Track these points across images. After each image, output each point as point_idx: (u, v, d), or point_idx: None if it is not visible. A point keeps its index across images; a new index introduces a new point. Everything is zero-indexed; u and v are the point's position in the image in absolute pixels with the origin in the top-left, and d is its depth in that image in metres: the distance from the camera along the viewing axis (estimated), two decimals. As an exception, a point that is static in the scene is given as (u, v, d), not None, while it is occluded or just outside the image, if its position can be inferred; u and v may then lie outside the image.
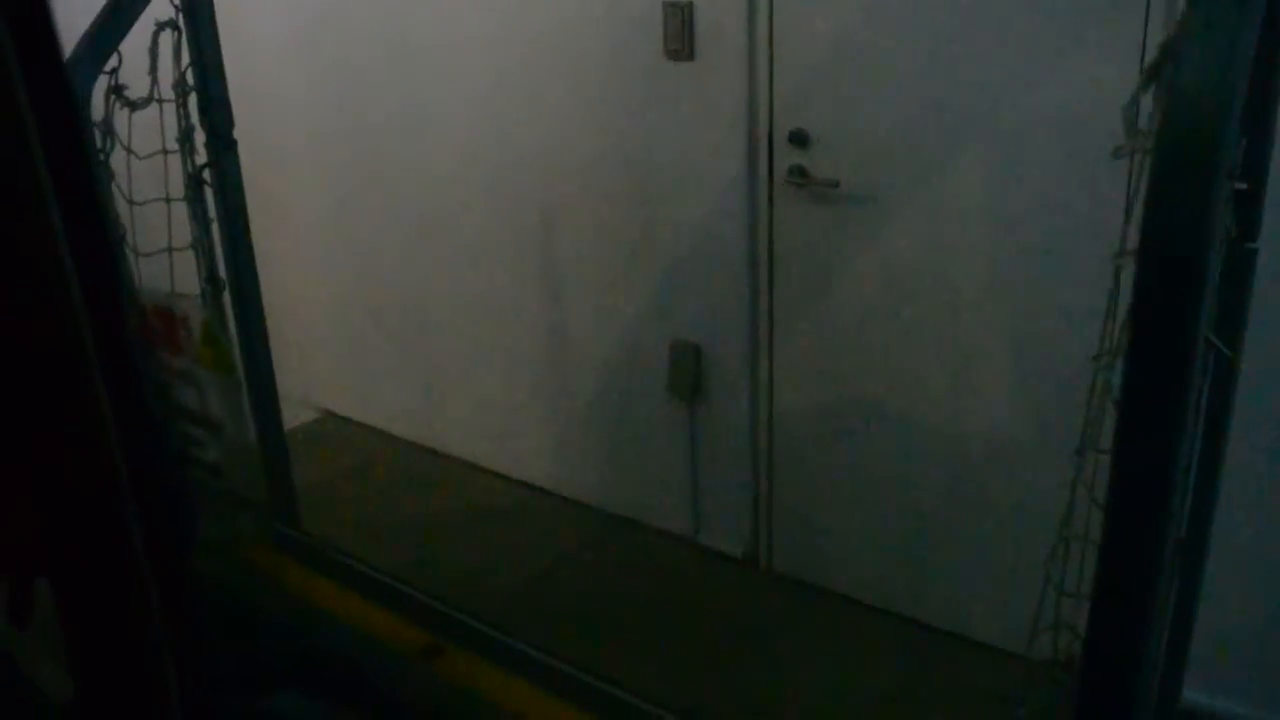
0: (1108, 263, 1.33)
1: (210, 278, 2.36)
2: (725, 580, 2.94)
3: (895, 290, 2.49)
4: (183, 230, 2.32)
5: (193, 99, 2.23)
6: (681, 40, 2.58)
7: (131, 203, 2.21)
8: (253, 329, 2.42)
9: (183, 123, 2.24)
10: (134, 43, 2.06)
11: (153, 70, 2.19)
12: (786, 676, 2.55)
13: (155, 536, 0.48)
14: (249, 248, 2.37)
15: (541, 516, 3.28)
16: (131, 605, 0.47)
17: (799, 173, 2.51)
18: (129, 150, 2.15)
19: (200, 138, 2.27)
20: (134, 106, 2.21)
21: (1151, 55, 1.09)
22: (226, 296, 2.35)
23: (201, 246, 2.34)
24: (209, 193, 2.30)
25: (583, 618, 2.77)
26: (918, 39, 2.30)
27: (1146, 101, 1.12)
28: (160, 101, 2.23)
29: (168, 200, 2.31)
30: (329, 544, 1.61)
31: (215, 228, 2.33)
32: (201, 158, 2.28)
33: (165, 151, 2.25)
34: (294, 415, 3.36)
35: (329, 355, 3.87)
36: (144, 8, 2.06)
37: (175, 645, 0.48)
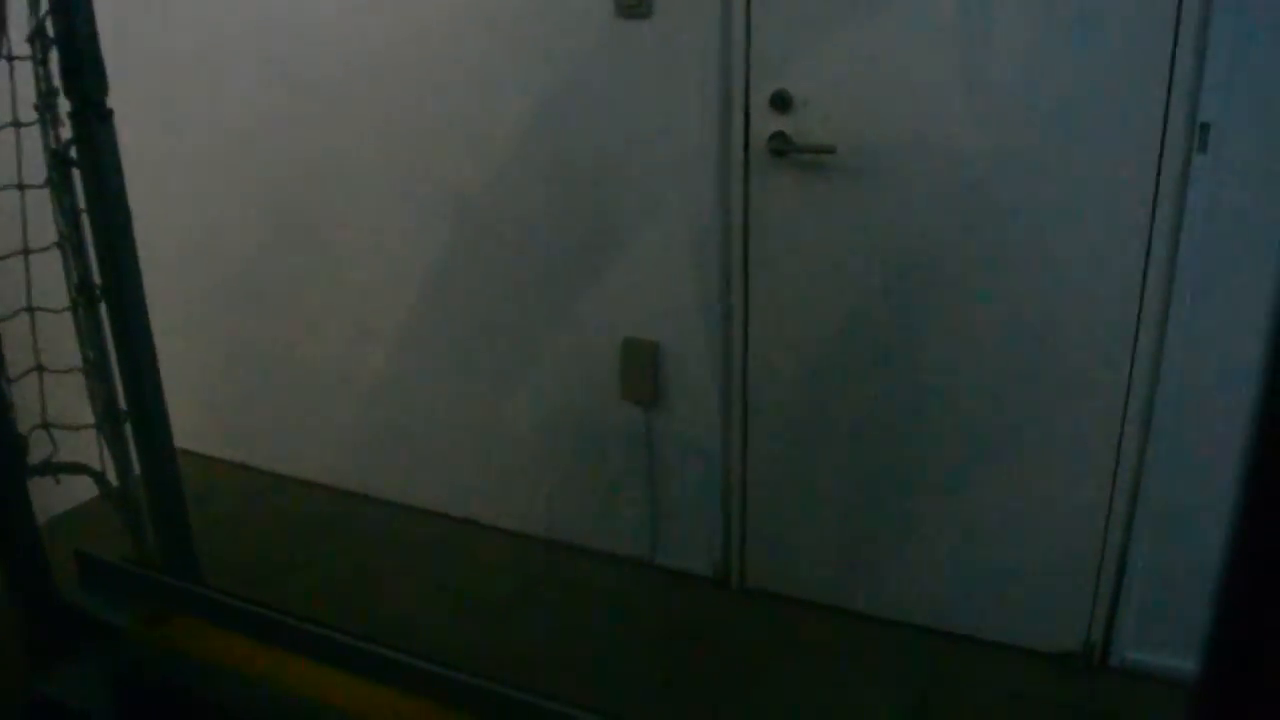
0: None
1: (82, 285, 1.83)
2: (697, 602, 2.61)
3: (892, 274, 2.24)
4: (43, 228, 1.80)
5: (55, 56, 1.72)
6: (635, -8, 2.24)
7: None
8: (138, 348, 1.89)
9: (42, 86, 1.72)
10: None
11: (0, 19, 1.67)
12: (791, 703, 2.24)
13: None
14: (131, 246, 1.85)
15: (479, 553, 2.84)
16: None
17: (781, 140, 2.22)
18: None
19: (65, 106, 1.75)
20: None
21: None
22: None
23: (69, 245, 1.82)
24: (76, 176, 1.79)
25: (541, 660, 2.38)
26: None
27: None
28: (10, 59, 1.71)
29: (21, 187, 1.78)
30: (287, 610, 1.24)
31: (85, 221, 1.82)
32: (67, 132, 1.76)
33: (18, 124, 1.73)
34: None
35: (184, 383, 3.28)
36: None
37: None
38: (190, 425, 2.88)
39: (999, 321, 2.17)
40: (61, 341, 1.73)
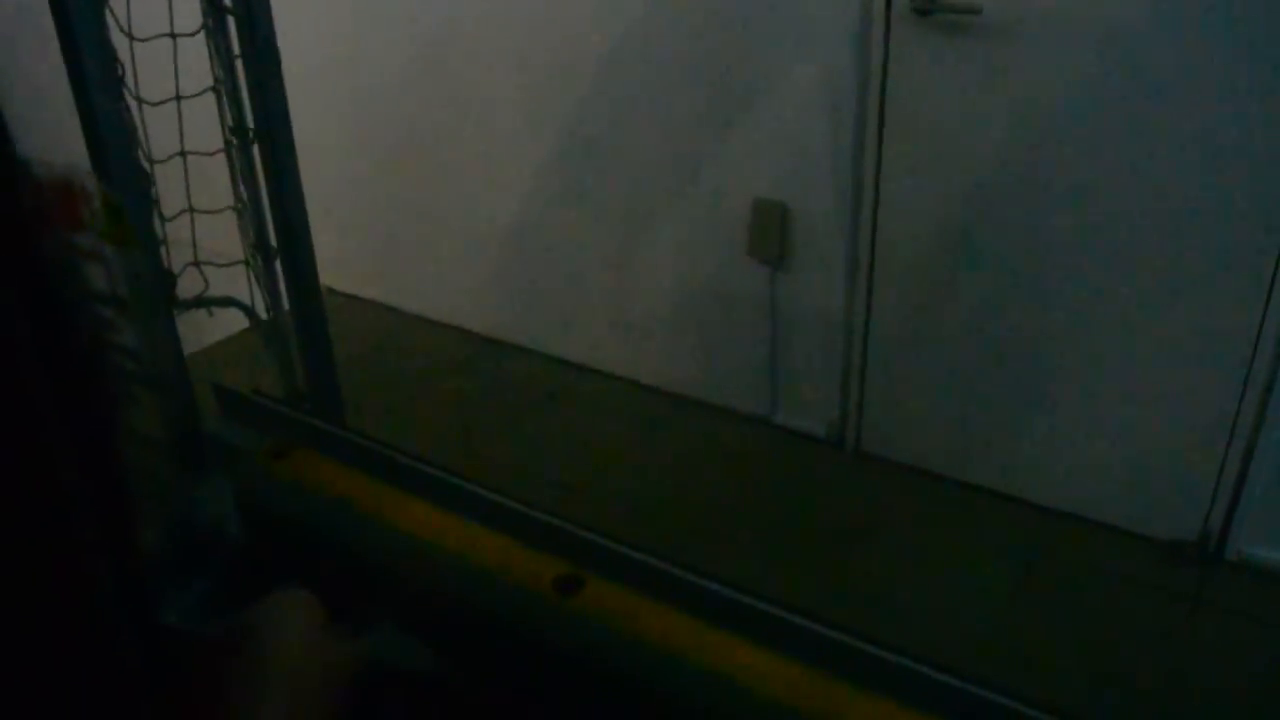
0: None
1: (236, 127, 1.93)
2: (812, 463, 2.66)
3: (1030, 146, 2.15)
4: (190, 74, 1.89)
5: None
6: None
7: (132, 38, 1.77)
8: (288, 190, 1.98)
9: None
10: None
11: None
12: (897, 570, 2.29)
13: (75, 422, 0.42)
14: (281, 89, 1.92)
15: (598, 400, 2.94)
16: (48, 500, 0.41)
17: (927, -2, 2.13)
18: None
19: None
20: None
21: None
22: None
23: (224, 89, 1.91)
24: (230, 22, 1.86)
25: (655, 511, 2.48)
26: None
27: None
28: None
29: (173, 35, 1.86)
30: (403, 449, 1.31)
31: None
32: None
33: None
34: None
35: (329, 221, 3.43)
36: None
37: (108, 547, 0.43)
38: (335, 264, 3.03)
39: (1139, 199, 2.08)
40: (214, 183, 1.83)
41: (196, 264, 1.74)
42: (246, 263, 1.83)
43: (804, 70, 2.34)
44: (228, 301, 1.79)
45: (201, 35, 1.82)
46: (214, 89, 1.90)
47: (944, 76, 2.19)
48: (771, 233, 2.52)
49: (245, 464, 1.37)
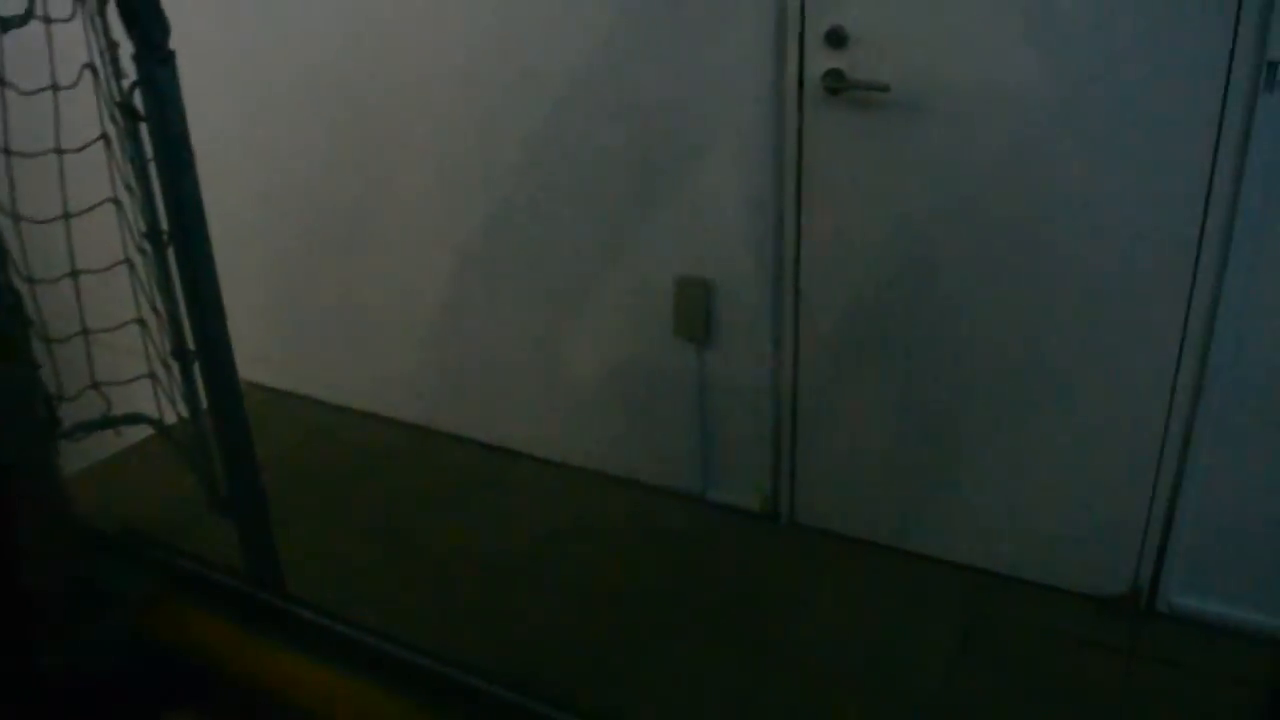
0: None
1: (150, 232, 1.89)
2: (747, 538, 2.66)
3: (943, 215, 2.22)
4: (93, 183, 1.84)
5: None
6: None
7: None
8: (205, 293, 1.96)
9: (102, 40, 1.75)
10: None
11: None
12: (836, 639, 2.28)
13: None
14: (195, 187, 1.90)
15: (530, 485, 2.91)
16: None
17: (835, 77, 2.19)
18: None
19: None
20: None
21: None
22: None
23: (138, 192, 1.87)
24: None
25: (590, 592, 2.46)
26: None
27: None
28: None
29: (59, 152, 1.80)
30: (278, 592, 1.25)
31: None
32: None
33: (56, 88, 1.74)
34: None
35: (244, 313, 3.37)
36: None
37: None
38: (255, 359, 2.97)
39: (1053, 262, 2.14)
40: (101, 304, 1.78)
41: (95, 385, 1.68)
42: (152, 375, 1.78)
43: (723, 149, 2.39)
44: (134, 419, 1.73)
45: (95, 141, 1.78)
46: (115, 200, 1.86)
47: (858, 152, 2.24)
48: (696, 310, 2.54)
49: (118, 609, 1.30)
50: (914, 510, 2.51)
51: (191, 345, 1.93)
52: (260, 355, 3.18)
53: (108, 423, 1.68)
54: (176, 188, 1.87)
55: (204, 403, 2.01)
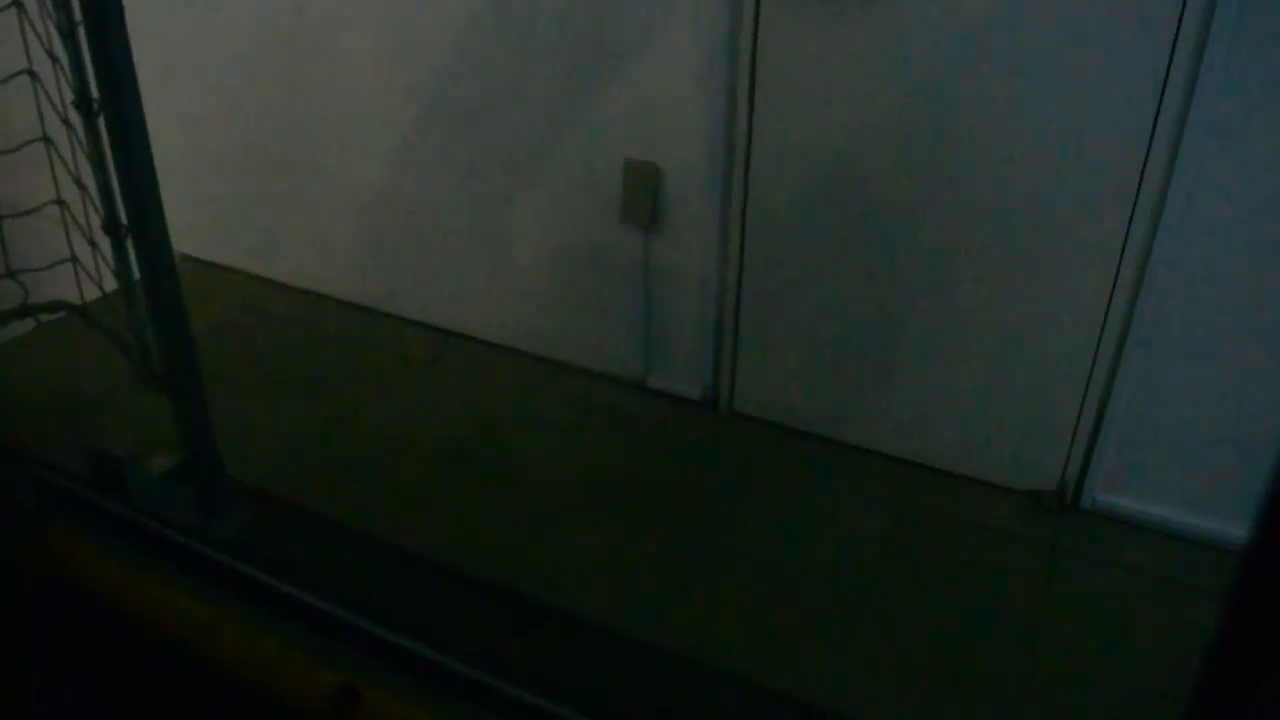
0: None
1: (79, 100, 1.79)
2: (686, 425, 2.68)
3: (895, 111, 2.19)
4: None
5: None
6: None
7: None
8: (138, 161, 1.87)
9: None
10: None
11: None
12: (771, 528, 2.33)
13: None
14: (128, 55, 1.79)
15: (471, 367, 2.90)
16: None
17: (797, -40, 2.13)
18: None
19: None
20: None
21: None
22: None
23: (67, 58, 1.77)
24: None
25: (529, 477, 2.47)
26: None
27: None
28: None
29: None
30: (181, 529, 1.21)
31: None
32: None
33: None
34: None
35: (180, 185, 3.25)
36: None
37: None
38: (189, 230, 2.88)
39: (998, 160, 2.14)
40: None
41: (11, 274, 1.61)
42: (74, 258, 1.71)
43: (676, 29, 2.32)
44: (55, 306, 1.67)
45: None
46: (31, 72, 1.76)
47: (815, 44, 2.19)
48: (644, 195, 2.50)
49: (9, 539, 1.25)
50: (851, 403, 2.54)
51: (124, 219, 1.87)
52: (189, 226, 3.08)
53: (26, 311, 1.61)
54: (110, 55, 1.77)
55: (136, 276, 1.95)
